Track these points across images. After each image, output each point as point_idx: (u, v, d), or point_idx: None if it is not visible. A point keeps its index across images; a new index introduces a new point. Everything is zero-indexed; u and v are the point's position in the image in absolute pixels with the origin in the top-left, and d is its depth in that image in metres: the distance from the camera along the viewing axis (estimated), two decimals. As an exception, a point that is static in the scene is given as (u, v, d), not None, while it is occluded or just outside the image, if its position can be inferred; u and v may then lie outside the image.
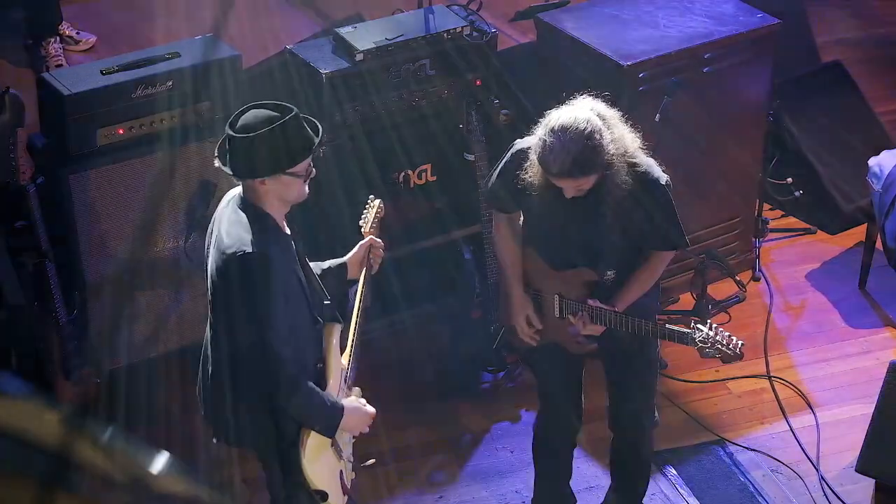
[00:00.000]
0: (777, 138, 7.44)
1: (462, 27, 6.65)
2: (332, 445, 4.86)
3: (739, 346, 5.08)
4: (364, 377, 6.73)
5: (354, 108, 6.53)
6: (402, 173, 6.76)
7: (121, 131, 6.19)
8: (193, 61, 6.31)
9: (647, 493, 5.81)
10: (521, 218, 5.36)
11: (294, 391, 4.65)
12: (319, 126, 4.74)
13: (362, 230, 5.22)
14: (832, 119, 7.86)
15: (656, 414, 5.65)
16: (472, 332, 6.61)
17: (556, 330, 5.38)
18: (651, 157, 5.18)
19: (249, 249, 4.56)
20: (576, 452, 5.80)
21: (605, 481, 6.03)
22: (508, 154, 5.23)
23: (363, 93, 6.53)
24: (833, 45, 8.90)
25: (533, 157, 5.03)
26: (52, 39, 8.15)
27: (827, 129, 7.80)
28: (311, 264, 4.99)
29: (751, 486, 6.19)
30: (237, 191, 4.74)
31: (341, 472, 4.93)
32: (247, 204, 4.66)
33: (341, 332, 4.99)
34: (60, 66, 8.05)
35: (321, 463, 4.80)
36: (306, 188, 4.72)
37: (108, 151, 6.17)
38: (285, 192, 4.66)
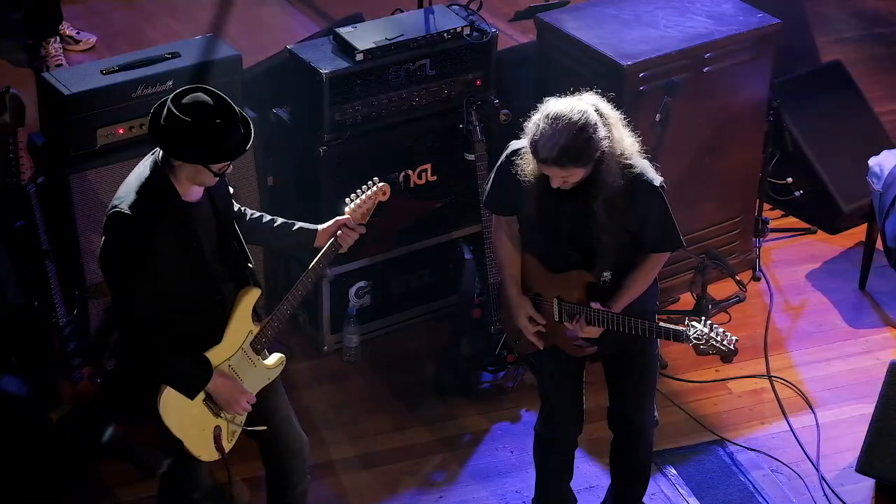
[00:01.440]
0: (777, 138, 7.44)
1: (462, 27, 6.65)
2: (204, 401, 4.97)
3: (734, 342, 5.08)
4: (364, 376, 6.76)
5: (354, 108, 6.53)
6: (403, 173, 6.76)
7: (121, 131, 6.19)
8: (193, 61, 6.31)
9: (647, 492, 5.81)
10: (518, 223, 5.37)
11: (140, 343, 4.83)
12: (252, 129, 4.81)
13: (347, 207, 5.21)
14: (832, 119, 7.85)
15: (656, 414, 5.65)
16: (473, 331, 6.61)
17: (555, 333, 5.39)
18: (648, 159, 5.17)
19: (124, 209, 4.72)
20: (577, 452, 5.79)
21: (605, 481, 6.03)
22: (503, 156, 5.24)
23: (363, 93, 6.53)
24: (833, 44, 8.90)
25: (526, 147, 5.04)
26: (53, 39, 8.16)
27: (827, 128, 7.80)
28: (281, 221, 5.16)
29: (751, 485, 6.19)
30: (157, 153, 4.85)
31: (217, 427, 5.03)
32: (157, 166, 4.80)
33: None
34: (60, 65, 8.07)
35: (182, 413, 4.94)
36: (216, 179, 4.82)
37: (108, 151, 6.18)
38: (195, 175, 4.79)
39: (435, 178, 6.84)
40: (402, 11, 6.92)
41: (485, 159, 6.42)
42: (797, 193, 7.69)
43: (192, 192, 4.84)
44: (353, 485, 6.20)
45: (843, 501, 6.11)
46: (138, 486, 6.08)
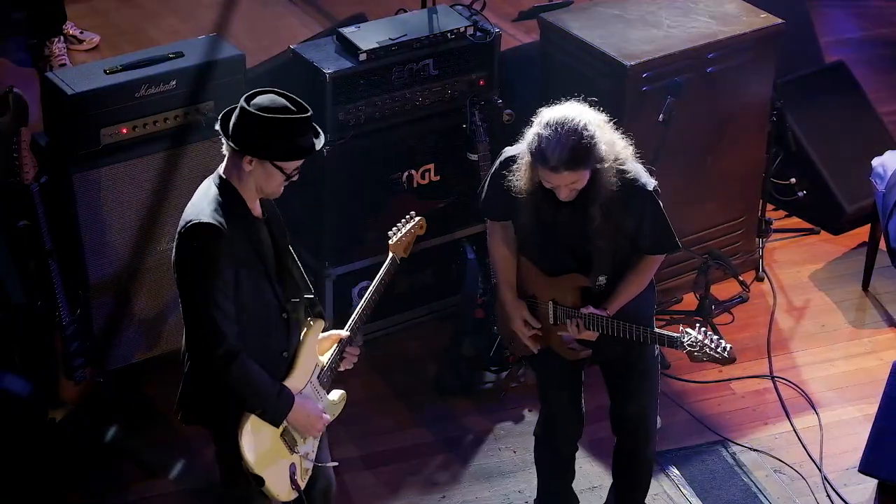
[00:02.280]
0: (780, 138, 7.44)
1: (465, 27, 6.65)
2: (281, 436, 4.83)
3: (728, 349, 5.06)
4: (366, 376, 6.76)
5: (358, 107, 6.53)
6: (406, 173, 6.76)
7: (124, 131, 6.19)
8: (197, 61, 6.31)
9: (649, 493, 5.81)
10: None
11: (228, 366, 4.64)
12: (323, 137, 4.77)
13: (390, 241, 5.20)
14: (835, 119, 7.85)
15: (659, 419, 5.64)
16: (476, 332, 6.61)
17: (550, 336, 5.39)
18: (642, 162, 5.17)
19: (204, 220, 4.61)
20: (579, 452, 5.79)
21: (607, 481, 6.03)
22: (497, 162, 5.24)
23: (366, 93, 6.53)
24: (836, 45, 8.90)
25: (522, 159, 5.04)
26: (56, 39, 8.17)
27: (830, 129, 7.80)
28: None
29: (754, 486, 6.19)
30: (219, 169, 4.76)
31: (293, 465, 4.88)
32: (223, 180, 4.71)
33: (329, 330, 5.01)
34: (64, 65, 8.08)
35: (263, 448, 4.78)
36: (282, 188, 4.76)
37: (111, 151, 6.17)
38: (265, 181, 4.71)
39: (438, 178, 6.84)
40: (405, 11, 6.92)
41: (488, 159, 6.42)
42: (800, 194, 7.69)
43: (257, 208, 4.78)
44: (356, 485, 6.20)
45: (845, 502, 6.11)
46: (141, 485, 6.09)
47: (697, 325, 5.13)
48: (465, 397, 6.64)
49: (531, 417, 6.40)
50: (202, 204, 4.67)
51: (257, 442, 4.75)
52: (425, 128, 6.74)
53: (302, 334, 4.92)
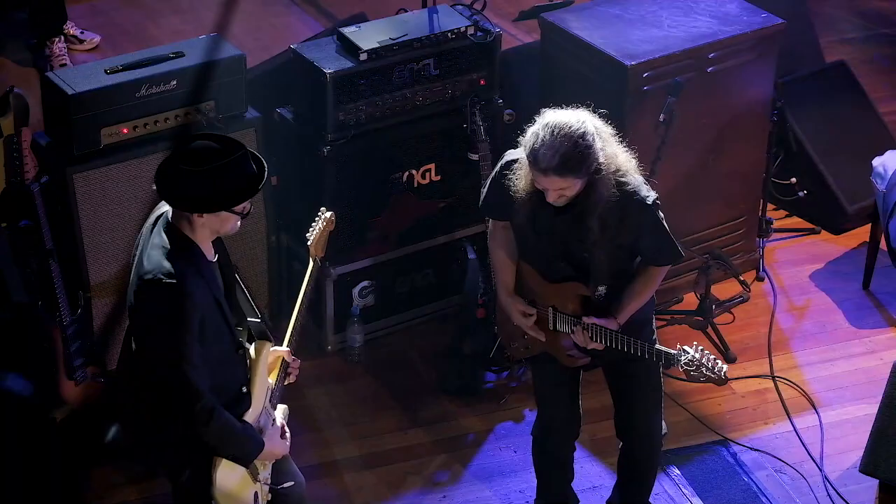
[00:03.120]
0: (781, 138, 7.44)
1: (466, 27, 6.65)
2: (247, 468, 4.84)
3: (724, 371, 5.04)
4: (368, 376, 6.77)
5: (358, 107, 6.53)
6: (406, 173, 6.76)
7: (125, 131, 6.20)
8: (198, 61, 6.31)
9: (651, 493, 5.81)
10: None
11: (207, 422, 4.60)
12: (265, 164, 4.67)
13: (308, 242, 5.14)
14: (836, 119, 7.85)
15: (665, 426, 5.63)
16: (477, 331, 6.61)
17: (549, 341, 5.38)
18: (642, 170, 5.15)
19: (166, 279, 4.49)
20: (580, 452, 5.80)
21: (608, 481, 6.03)
22: (499, 164, 5.24)
23: (367, 92, 6.53)
24: (837, 44, 8.90)
25: (522, 158, 5.04)
26: (57, 39, 8.17)
27: (831, 129, 7.80)
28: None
29: (754, 486, 6.19)
30: (165, 209, 4.65)
31: (256, 494, 4.90)
32: (174, 229, 4.60)
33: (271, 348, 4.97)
34: (65, 65, 8.08)
35: (232, 484, 4.79)
36: (239, 222, 4.66)
37: (112, 151, 6.18)
38: (220, 226, 4.62)
39: (439, 177, 6.84)
40: (406, 11, 6.91)
41: (489, 159, 6.42)
42: (801, 193, 7.68)
43: (210, 250, 4.69)
44: (357, 484, 6.20)
45: (846, 502, 6.10)
46: (142, 485, 6.09)
47: (695, 343, 5.11)
48: (466, 397, 6.64)
49: (531, 417, 6.39)
50: (159, 257, 4.55)
51: (227, 482, 4.78)
52: (426, 128, 6.74)
53: (250, 362, 4.88)
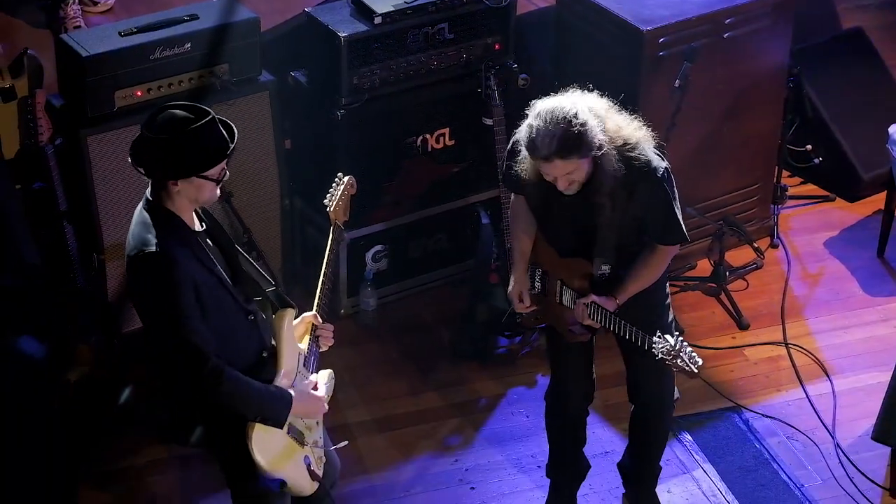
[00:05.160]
0: (797, 105, 7.41)
1: (481, -9, 6.63)
2: (288, 432, 4.79)
3: (698, 364, 4.99)
4: (380, 340, 6.78)
5: (372, 71, 6.51)
6: (420, 137, 6.75)
7: (139, 93, 6.19)
8: (212, 24, 6.30)
9: (661, 459, 5.81)
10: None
11: (218, 384, 4.58)
12: (235, 129, 4.66)
13: (327, 209, 5.13)
14: (852, 86, 7.82)
15: (677, 392, 5.63)
16: (490, 296, 6.61)
17: (554, 313, 5.39)
18: (655, 137, 5.13)
19: (150, 249, 4.52)
20: (592, 417, 5.79)
21: (619, 446, 6.04)
22: (510, 144, 5.22)
23: (381, 56, 6.51)
24: (854, 10, 8.84)
25: (523, 148, 5.03)
26: (71, 1, 8.15)
27: (847, 95, 7.77)
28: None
29: (766, 452, 6.19)
30: (146, 193, 4.66)
31: (307, 457, 4.85)
32: (152, 205, 4.61)
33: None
34: (79, 27, 8.05)
35: (275, 451, 4.74)
36: (217, 191, 4.66)
37: (125, 113, 6.17)
38: (196, 194, 4.61)
39: (453, 142, 6.83)
40: (421, -25, 6.89)
41: (503, 124, 6.41)
42: (816, 161, 7.66)
43: (194, 221, 4.68)
44: (369, 448, 6.21)
45: (858, 469, 6.10)
46: (155, 448, 6.11)
47: (677, 334, 5.07)
48: (479, 362, 6.65)
49: (544, 382, 6.40)
50: (142, 233, 4.57)
51: (268, 447, 4.72)
52: (440, 92, 6.72)
53: (274, 329, 4.86)
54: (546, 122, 4.89)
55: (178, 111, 4.57)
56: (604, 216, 5.07)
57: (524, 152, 5.02)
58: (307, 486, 4.85)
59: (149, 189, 4.64)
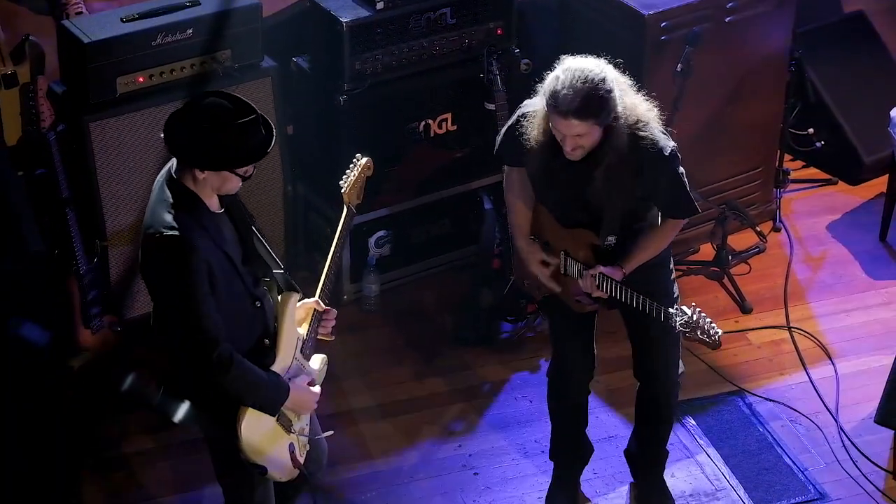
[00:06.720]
0: (799, 88, 7.41)
1: (483, -25, 6.62)
2: (277, 420, 4.81)
3: (719, 335, 4.98)
4: (384, 326, 6.78)
5: (375, 56, 6.51)
6: (423, 122, 6.75)
7: (141, 79, 6.19)
8: (213, 9, 6.29)
9: (668, 440, 5.81)
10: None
11: (227, 370, 4.59)
12: (274, 130, 4.64)
13: (342, 191, 5.09)
14: (854, 69, 7.82)
15: (682, 368, 5.63)
16: (493, 282, 6.61)
17: (559, 283, 5.39)
18: (665, 125, 5.13)
19: (168, 232, 4.50)
20: (596, 402, 5.81)
21: (624, 431, 6.04)
22: (515, 114, 5.23)
23: (384, 42, 6.51)
24: (856, -6, 8.84)
25: (538, 108, 5.02)
26: (72, -13, 8.13)
27: (849, 79, 7.76)
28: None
29: (769, 436, 6.20)
30: (172, 163, 4.64)
31: (291, 444, 4.87)
32: (176, 182, 4.59)
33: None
34: (80, 13, 8.03)
35: (261, 437, 4.76)
36: (240, 184, 4.64)
37: (127, 100, 6.17)
38: (220, 184, 4.60)
39: (455, 127, 6.83)
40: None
41: (505, 109, 6.40)
42: (818, 144, 7.66)
43: (215, 203, 4.67)
44: (373, 433, 6.22)
45: (861, 452, 6.11)
46: (158, 433, 6.11)
47: (693, 305, 5.08)
48: (483, 347, 6.65)
49: (547, 367, 6.41)
50: (161, 211, 4.55)
51: (255, 432, 4.74)
52: (442, 77, 6.72)
53: (277, 313, 4.86)
54: (574, 79, 4.89)
55: (224, 101, 4.53)
56: (609, 189, 5.06)
57: (537, 111, 5.01)
58: (286, 474, 4.88)
59: (173, 164, 4.61)
